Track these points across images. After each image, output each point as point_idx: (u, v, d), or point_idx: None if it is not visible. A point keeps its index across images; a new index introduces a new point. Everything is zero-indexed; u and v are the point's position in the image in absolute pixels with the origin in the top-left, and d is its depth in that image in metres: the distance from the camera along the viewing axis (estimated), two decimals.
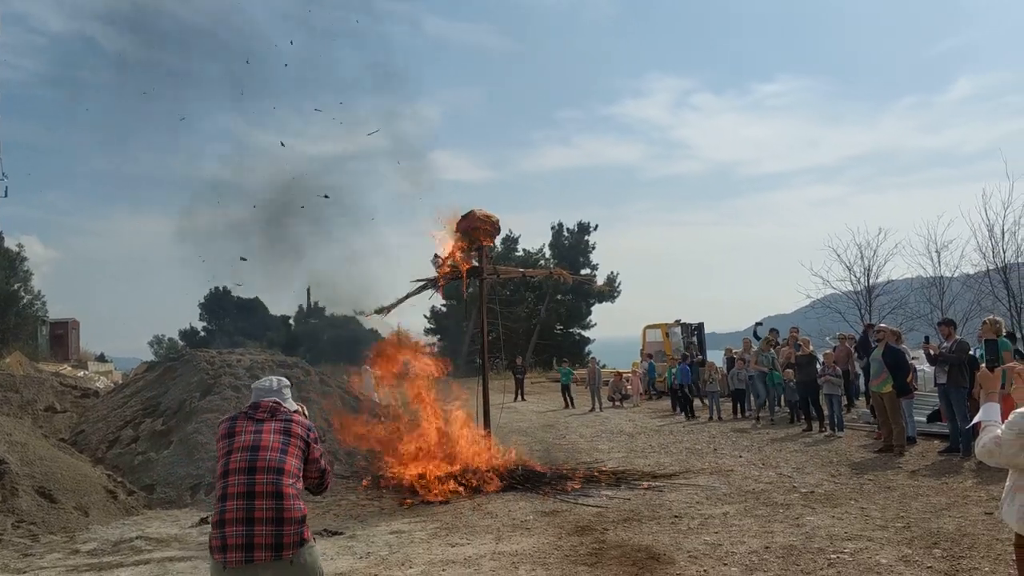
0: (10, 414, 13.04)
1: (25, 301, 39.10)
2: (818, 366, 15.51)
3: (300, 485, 3.95)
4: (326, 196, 16.64)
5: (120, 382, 20.89)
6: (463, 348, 44.27)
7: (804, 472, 11.15)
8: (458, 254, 12.67)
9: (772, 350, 18.12)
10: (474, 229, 12.56)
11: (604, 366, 29.05)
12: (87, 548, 8.37)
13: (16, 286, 38.45)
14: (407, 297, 13.13)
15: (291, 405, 4.19)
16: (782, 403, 18.11)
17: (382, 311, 13.26)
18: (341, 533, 8.79)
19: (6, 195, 41.48)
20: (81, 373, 26.38)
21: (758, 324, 20.88)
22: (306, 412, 4.38)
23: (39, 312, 39.86)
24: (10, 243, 40.69)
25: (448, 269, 12.79)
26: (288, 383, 4.29)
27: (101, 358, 36.30)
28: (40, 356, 32.31)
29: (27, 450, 10.09)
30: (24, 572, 7.49)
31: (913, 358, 14.06)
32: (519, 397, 26.67)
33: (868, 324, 18.17)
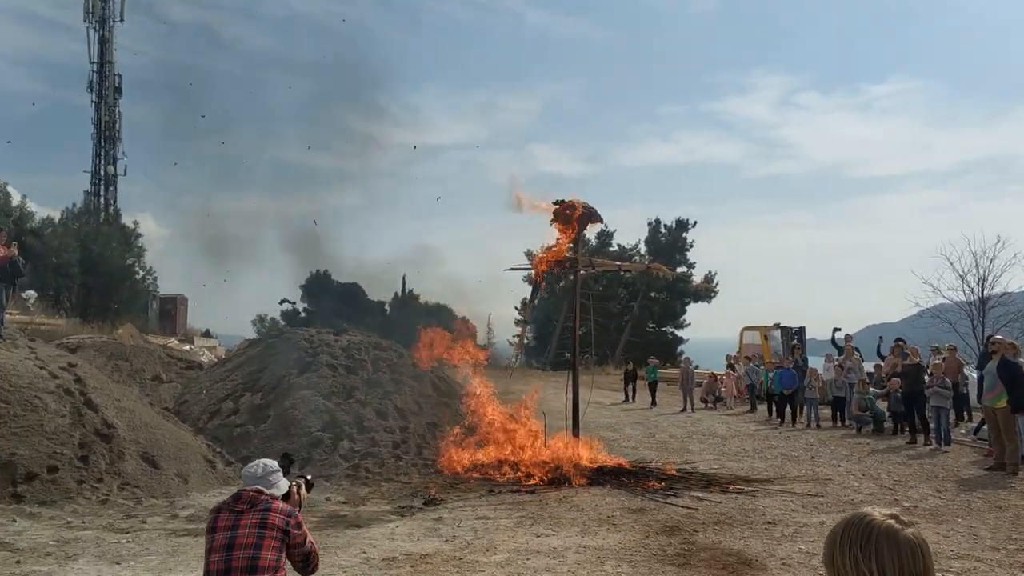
0: (120, 382, 13.69)
1: (139, 276, 41.04)
2: (926, 377, 14.78)
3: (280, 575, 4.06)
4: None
5: (223, 357, 21.64)
6: (552, 342, 44.22)
7: (907, 485, 10.62)
8: (558, 244, 12.58)
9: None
10: (572, 217, 12.44)
11: (697, 367, 28.39)
12: (185, 514, 8.68)
13: (130, 261, 40.39)
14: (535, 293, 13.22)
15: (277, 490, 4.23)
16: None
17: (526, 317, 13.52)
18: (439, 501, 9.24)
19: (125, 173, 43.88)
20: (187, 347, 27.53)
21: (836, 330, 20.16)
22: (302, 492, 4.40)
23: (150, 287, 41.78)
24: (126, 220, 42.89)
25: (546, 260, 12.70)
26: (277, 468, 4.31)
27: (207, 334, 37.67)
28: (149, 329, 33.86)
29: (134, 417, 10.55)
30: (127, 532, 7.82)
31: None
32: (632, 398, 26.21)
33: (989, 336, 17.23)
